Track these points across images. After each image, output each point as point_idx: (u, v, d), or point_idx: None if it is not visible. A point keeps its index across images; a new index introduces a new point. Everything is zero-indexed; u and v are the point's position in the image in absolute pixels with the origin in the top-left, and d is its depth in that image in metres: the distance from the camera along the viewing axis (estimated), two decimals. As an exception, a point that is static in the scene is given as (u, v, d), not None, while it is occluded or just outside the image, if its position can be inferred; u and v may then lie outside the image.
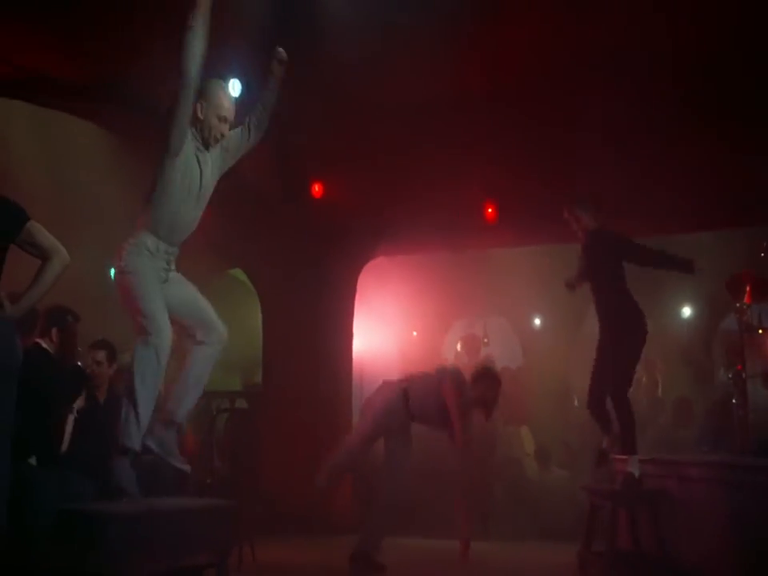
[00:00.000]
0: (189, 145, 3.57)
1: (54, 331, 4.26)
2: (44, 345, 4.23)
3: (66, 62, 5.43)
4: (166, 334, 3.47)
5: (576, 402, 10.30)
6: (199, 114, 3.60)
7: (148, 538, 3.32)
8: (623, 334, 4.79)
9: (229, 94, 3.77)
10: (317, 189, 7.23)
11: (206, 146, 3.63)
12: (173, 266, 3.65)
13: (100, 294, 4.01)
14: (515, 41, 5.85)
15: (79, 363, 4.23)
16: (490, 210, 7.09)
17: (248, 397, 8.06)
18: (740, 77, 5.76)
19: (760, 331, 4.81)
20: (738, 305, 4.93)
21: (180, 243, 3.66)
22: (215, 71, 5.95)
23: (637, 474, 4.55)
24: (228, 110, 3.67)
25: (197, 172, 3.60)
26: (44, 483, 3.82)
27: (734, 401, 5.01)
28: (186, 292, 3.70)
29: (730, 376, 5.12)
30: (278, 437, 7.47)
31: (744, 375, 4.77)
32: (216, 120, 3.62)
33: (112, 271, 3.65)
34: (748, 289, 4.91)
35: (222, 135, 3.66)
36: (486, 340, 10.96)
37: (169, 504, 3.68)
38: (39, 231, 3.19)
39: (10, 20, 5.06)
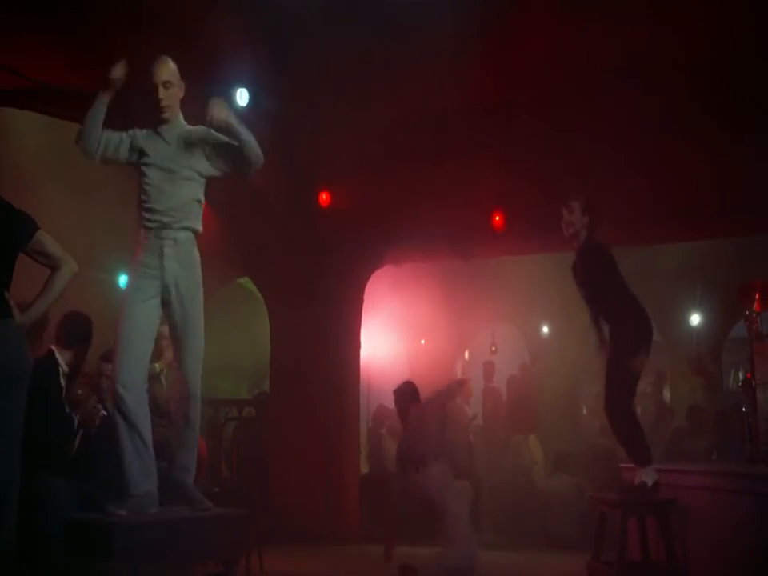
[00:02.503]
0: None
1: (77, 346, 4.25)
2: (57, 354, 4.23)
3: (73, 72, 5.47)
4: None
5: (585, 411, 10.29)
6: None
7: (157, 546, 3.32)
8: (625, 342, 4.62)
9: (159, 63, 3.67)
10: (325, 198, 7.25)
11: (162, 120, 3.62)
12: (172, 249, 3.53)
13: (109, 303, 4.00)
14: (522, 54, 5.88)
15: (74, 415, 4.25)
16: (497, 219, 7.09)
17: (256, 405, 8.07)
18: (757, 83, 5.78)
19: (770, 339, 4.78)
20: (747, 313, 4.91)
21: (168, 219, 3.55)
22: (224, 80, 6.02)
23: (650, 482, 4.47)
24: (159, 76, 3.61)
25: (155, 148, 3.60)
26: (54, 492, 3.82)
27: (743, 409, 4.99)
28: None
29: (739, 384, 5.08)
30: (285, 444, 7.47)
31: (754, 383, 4.74)
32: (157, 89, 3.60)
33: (121, 280, 3.67)
34: (757, 297, 4.89)
35: (165, 99, 3.61)
36: (493, 348, 10.95)
37: (177, 513, 3.68)
38: (48, 240, 3.22)
39: (21, 32, 5.12)
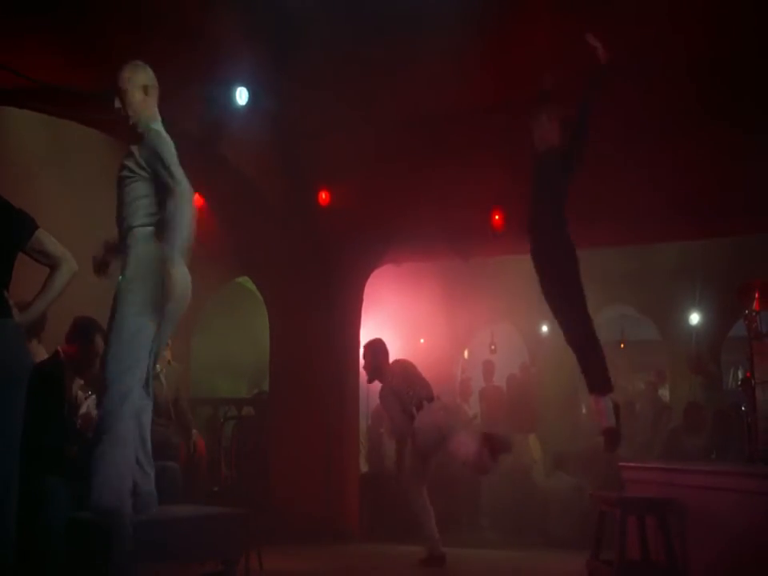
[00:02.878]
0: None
1: (78, 343, 4.25)
2: (62, 355, 4.23)
3: (73, 72, 5.47)
4: None
5: (584, 410, 10.29)
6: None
7: (157, 546, 3.32)
8: (563, 260, 4.77)
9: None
10: (324, 196, 7.25)
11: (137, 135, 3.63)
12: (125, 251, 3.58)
13: (108, 303, 4.00)
14: (522, 54, 5.88)
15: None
16: (497, 218, 7.09)
17: (255, 404, 8.07)
18: (757, 83, 5.78)
19: (769, 338, 4.78)
20: (746, 312, 4.91)
21: (120, 230, 3.64)
22: (223, 79, 6.02)
23: (613, 422, 4.51)
24: (119, 83, 3.61)
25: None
26: (54, 492, 3.82)
27: (743, 408, 4.99)
28: None
29: (738, 383, 5.08)
30: (285, 443, 7.47)
31: (753, 382, 4.75)
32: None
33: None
34: (757, 296, 4.89)
35: (122, 108, 3.62)
36: (493, 347, 10.97)
37: (177, 511, 3.69)
38: (48, 240, 3.23)
39: (21, 32, 5.12)
